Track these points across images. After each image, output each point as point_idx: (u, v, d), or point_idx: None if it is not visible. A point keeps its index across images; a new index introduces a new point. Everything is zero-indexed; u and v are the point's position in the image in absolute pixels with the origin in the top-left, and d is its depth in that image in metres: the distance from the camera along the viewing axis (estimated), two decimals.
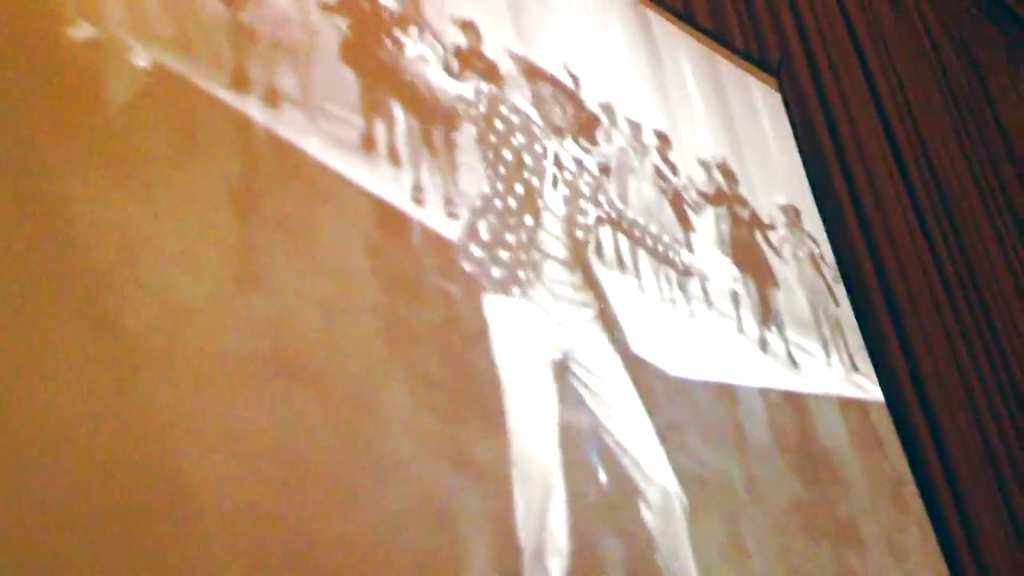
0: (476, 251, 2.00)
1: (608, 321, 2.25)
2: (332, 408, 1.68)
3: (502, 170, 2.13)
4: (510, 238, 2.07)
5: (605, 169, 2.44)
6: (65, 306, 1.41)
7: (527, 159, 2.18)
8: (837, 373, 2.64)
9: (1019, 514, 2.70)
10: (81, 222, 1.51)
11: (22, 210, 1.46)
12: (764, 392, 2.47)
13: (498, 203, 2.09)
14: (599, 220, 2.30)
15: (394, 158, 1.99)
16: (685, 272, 2.40)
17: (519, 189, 2.13)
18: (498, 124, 2.19)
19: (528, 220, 2.11)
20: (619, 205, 2.37)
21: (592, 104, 2.51)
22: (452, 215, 2.02)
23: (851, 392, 2.63)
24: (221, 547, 1.41)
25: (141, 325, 1.46)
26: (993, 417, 2.88)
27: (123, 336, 1.43)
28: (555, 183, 2.20)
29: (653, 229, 2.38)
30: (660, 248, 2.35)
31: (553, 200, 2.19)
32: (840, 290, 2.80)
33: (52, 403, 1.33)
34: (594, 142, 2.44)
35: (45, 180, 1.51)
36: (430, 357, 1.83)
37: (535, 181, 2.16)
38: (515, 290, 2.04)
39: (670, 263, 2.37)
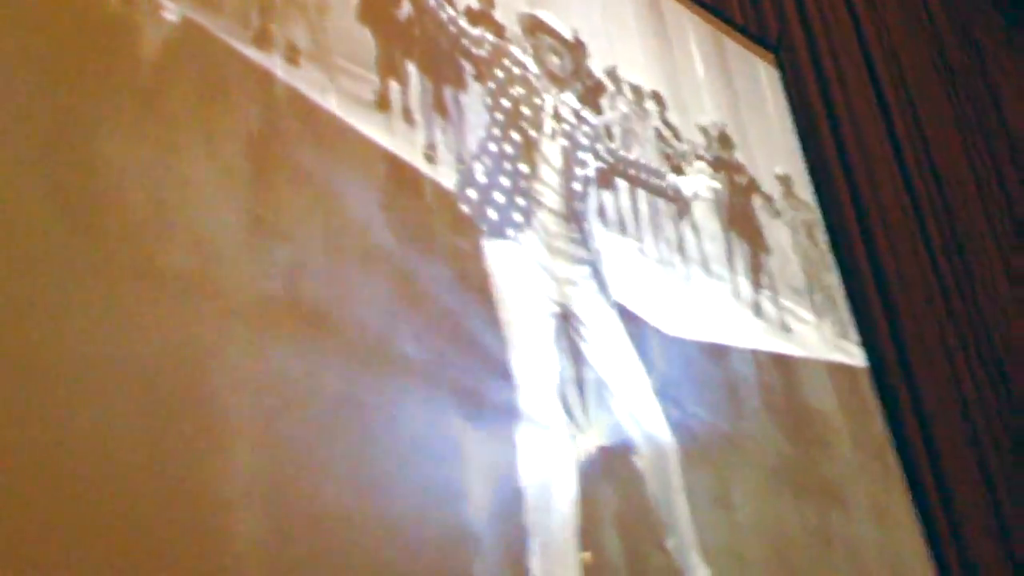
0: (472, 194, 2.08)
1: (605, 278, 2.34)
2: (345, 354, 1.77)
3: (500, 116, 2.21)
4: (506, 182, 2.15)
5: (608, 133, 2.52)
6: (100, 250, 1.49)
7: (525, 110, 2.26)
8: (826, 339, 2.73)
9: (995, 479, 2.81)
10: (112, 170, 1.58)
11: (55, 160, 1.53)
12: (755, 354, 2.56)
13: (495, 148, 2.16)
14: (599, 173, 2.37)
15: (408, 117, 2.06)
16: (675, 198, 2.48)
17: (516, 136, 2.20)
18: (498, 73, 2.26)
19: (524, 168, 2.19)
20: (617, 151, 2.44)
21: (597, 70, 2.59)
22: (460, 170, 2.10)
23: (839, 358, 2.72)
24: (243, 469, 1.50)
25: (172, 267, 1.54)
26: (975, 387, 2.98)
27: (157, 277, 1.51)
28: (553, 135, 2.28)
29: (643, 161, 2.46)
30: (653, 180, 2.42)
31: (551, 151, 2.27)
32: (831, 259, 2.88)
33: (93, 342, 1.41)
34: (598, 109, 2.52)
35: (77, 131, 1.58)
36: (439, 304, 1.92)
37: (532, 132, 2.23)
38: (511, 233, 2.12)
39: (662, 192, 2.45)
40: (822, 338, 2.72)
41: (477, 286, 2.02)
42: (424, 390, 1.87)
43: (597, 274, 2.36)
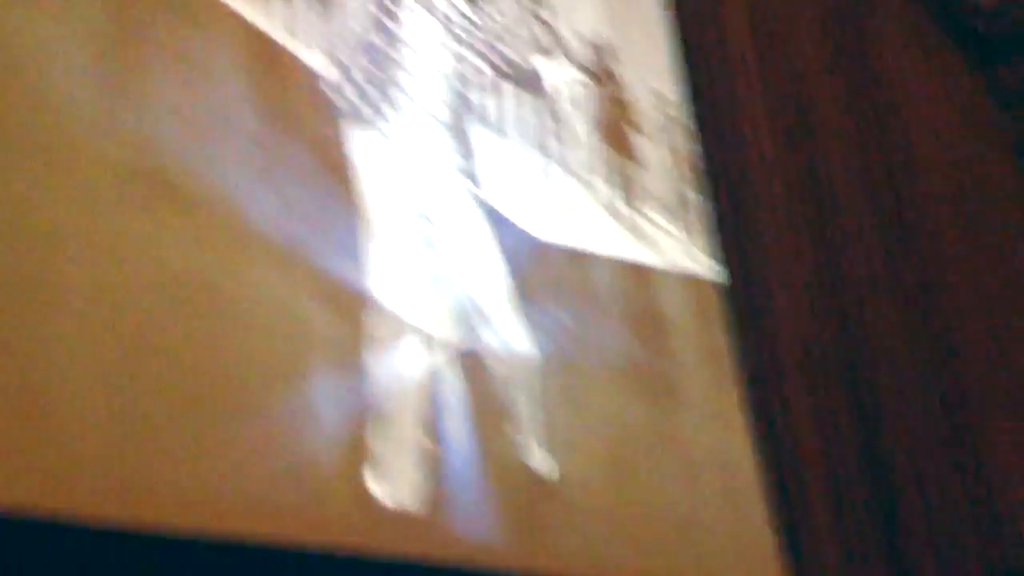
0: (342, 82, 2.08)
1: (475, 177, 2.38)
2: (196, 229, 1.75)
3: (375, 6, 2.20)
4: (377, 73, 2.16)
5: (484, 28, 2.52)
6: None
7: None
8: (684, 252, 2.84)
9: (831, 394, 3.00)
10: None
11: None
12: (616, 261, 2.65)
13: (368, 37, 2.16)
14: (475, 69, 2.39)
15: None
16: (537, 89, 2.52)
17: (391, 26, 2.20)
18: None
19: (397, 59, 2.19)
20: (492, 43, 2.46)
21: None
22: (329, 55, 2.09)
23: (695, 270, 2.84)
24: (81, 345, 1.50)
25: (21, 127, 1.51)
26: (824, 313, 3.13)
27: (3, 137, 1.48)
28: (429, 28, 2.28)
29: (516, 57, 2.48)
30: (524, 74, 2.46)
31: (425, 44, 2.28)
32: (697, 176, 2.98)
33: None
34: (475, 3, 2.52)
35: None
36: (298, 188, 1.93)
37: (408, 23, 2.23)
38: (379, 125, 2.13)
39: (533, 85, 2.48)
40: (681, 251, 2.83)
41: (339, 175, 2.03)
42: (275, 272, 1.88)
43: (467, 173, 2.39)
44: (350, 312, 1.99)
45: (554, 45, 2.70)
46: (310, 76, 2.03)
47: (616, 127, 2.78)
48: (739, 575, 2.51)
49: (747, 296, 2.94)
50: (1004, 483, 3.20)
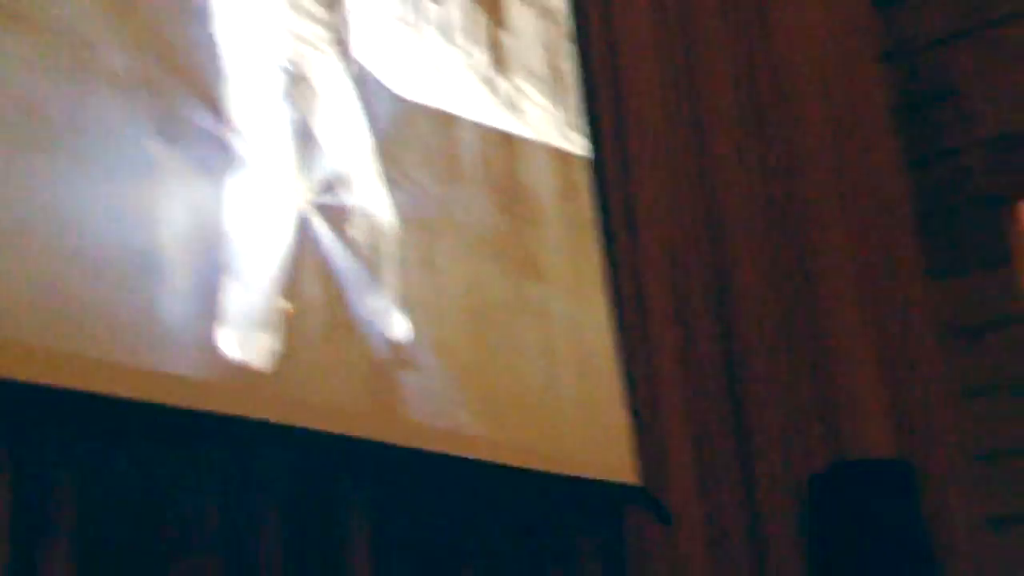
0: None
1: (345, 37, 2.27)
2: (40, 57, 1.65)
3: None
4: None
5: None
6: None
7: None
8: (554, 125, 2.80)
9: (690, 273, 3.05)
10: None
11: None
12: (482, 128, 2.59)
13: None
14: None
15: None
16: None
17: None
18: None
19: None
20: None
21: None
22: None
23: (563, 144, 2.80)
24: None
25: None
26: (686, 175, 3.16)
27: None
28: None
29: None
30: None
31: None
32: (571, 48, 2.92)
33: None
34: None
35: None
36: (151, 25, 1.81)
37: None
38: None
39: None
40: (550, 123, 2.79)
41: (200, 18, 1.92)
42: (124, 108, 1.78)
43: (331, 27, 2.29)
44: (207, 161, 1.90)
45: None
46: None
47: None
48: (590, 448, 2.55)
49: (613, 173, 2.94)
50: (846, 373, 3.34)
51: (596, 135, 2.91)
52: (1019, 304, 4.25)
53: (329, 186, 2.21)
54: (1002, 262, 4.27)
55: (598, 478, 2.52)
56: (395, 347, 2.20)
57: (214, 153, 1.99)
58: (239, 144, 2.03)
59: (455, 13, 2.61)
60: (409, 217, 2.33)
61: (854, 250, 3.49)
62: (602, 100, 2.96)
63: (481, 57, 2.66)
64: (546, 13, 2.89)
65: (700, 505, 2.84)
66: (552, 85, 2.85)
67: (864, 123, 3.73)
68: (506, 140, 2.65)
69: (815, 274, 3.37)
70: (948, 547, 3.20)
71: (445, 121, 2.52)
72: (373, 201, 2.29)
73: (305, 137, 2.19)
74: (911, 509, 2.91)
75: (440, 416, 2.24)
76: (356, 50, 2.34)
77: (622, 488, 2.58)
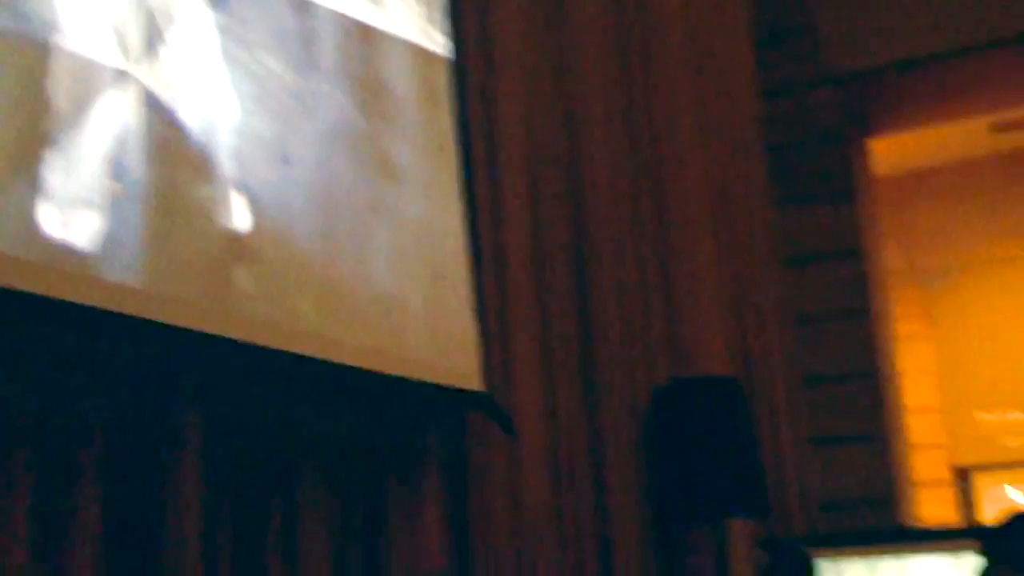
0: None
1: None
2: None
3: None
4: None
5: None
6: None
7: None
8: (416, 21, 2.69)
9: (546, 182, 3.03)
10: None
11: None
12: (341, 16, 2.47)
13: None
14: None
15: None
16: None
17: None
18: None
19: None
20: None
21: None
22: None
23: (425, 43, 2.70)
24: None
25: None
26: (547, 82, 3.13)
27: None
28: None
29: None
30: None
31: None
32: None
33: None
34: None
35: None
36: None
37: None
38: None
39: None
40: (412, 19, 2.68)
41: None
42: None
43: None
44: (30, 21, 1.73)
45: None
46: None
47: None
48: (437, 354, 2.51)
49: (474, 75, 2.87)
50: (692, 293, 3.42)
51: (457, 33, 2.83)
52: (856, 238, 4.45)
53: (167, 63, 2.06)
54: (844, 198, 4.45)
55: (443, 383, 2.49)
56: (233, 238, 2.10)
57: (41, 11, 1.82)
58: (68, 5, 1.87)
59: None
60: (256, 104, 2.21)
61: (706, 172, 3.55)
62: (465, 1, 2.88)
63: None
64: None
65: (543, 415, 2.86)
66: None
67: (726, 50, 3.77)
68: (365, 32, 2.54)
69: (668, 193, 3.41)
70: (776, 462, 3.35)
71: (300, 4, 2.39)
72: (214, 83, 2.16)
73: (144, 9, 2.04)
74: (741, 425, 3.02)
75: (279, 311, 2.16)
76: None
77: (466, 394, 2.56)
